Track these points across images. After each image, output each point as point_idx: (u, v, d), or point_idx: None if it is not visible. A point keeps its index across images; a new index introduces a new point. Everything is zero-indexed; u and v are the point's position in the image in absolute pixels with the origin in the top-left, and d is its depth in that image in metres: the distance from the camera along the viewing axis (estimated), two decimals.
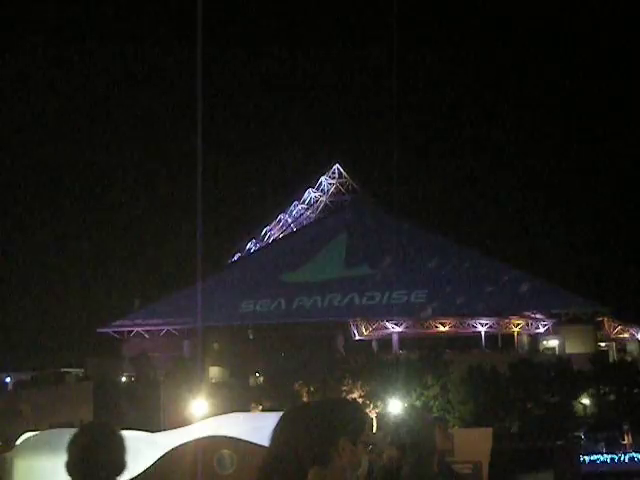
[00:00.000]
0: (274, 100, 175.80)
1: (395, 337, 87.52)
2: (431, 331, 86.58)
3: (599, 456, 57.39)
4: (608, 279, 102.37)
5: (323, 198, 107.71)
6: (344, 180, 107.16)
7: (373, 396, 63.49)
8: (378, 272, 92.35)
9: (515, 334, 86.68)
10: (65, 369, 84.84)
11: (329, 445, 3.45)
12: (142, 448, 18.06)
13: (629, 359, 73.13)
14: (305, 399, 64.72)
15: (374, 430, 62.41)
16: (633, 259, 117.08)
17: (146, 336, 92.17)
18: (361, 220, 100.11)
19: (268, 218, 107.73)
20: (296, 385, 66.78)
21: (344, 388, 65.04)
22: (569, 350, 79.83)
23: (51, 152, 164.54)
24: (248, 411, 55.76)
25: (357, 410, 3.66)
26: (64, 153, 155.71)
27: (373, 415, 64.26)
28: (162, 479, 17.11)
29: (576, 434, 61.15)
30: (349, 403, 3.77)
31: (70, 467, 4.33)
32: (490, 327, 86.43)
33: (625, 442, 61.25)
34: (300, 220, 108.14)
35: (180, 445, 17.44)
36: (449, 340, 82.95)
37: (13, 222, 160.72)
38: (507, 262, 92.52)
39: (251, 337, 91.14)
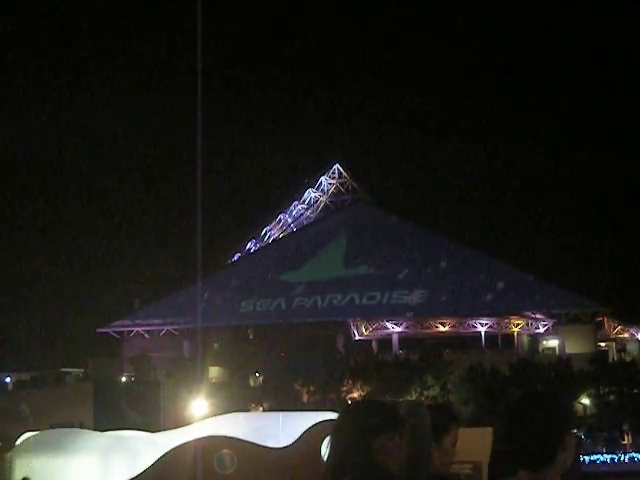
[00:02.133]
0: (274, 100, 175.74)
1: (395, 337, 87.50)
2: (431, 331, 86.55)
3: (599, 456, 57.36)
4: (608, 279, 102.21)
5: (323, 198, 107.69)
6: (344, 180, 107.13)
7: (373, 396, 63.44)
8: (378, 272, 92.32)
9: (515, 334, 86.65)
10: (65, 369, 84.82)
11: (558, 442, 3.36)
12: (142, 448, 18.08)
13: (629, 359, 73.08)
14: (305, 399, 64.77)
15: None
16: (633, 259, 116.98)
17: (146, 336, 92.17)
18: (361, 220, 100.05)
19: (268, 218, 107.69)
20: (296, 385, 66.77)
21: (344, 388, 65.04)
22: (569, 350, 79.78)
23: (51, 152, 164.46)
24: (248, 411, 55.88)
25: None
26: (64, 153, 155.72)
27: None
28: (162, 479, 17.11)
29: (576, 434, 61.13)
30: (559, 395, 3.68)
31: None
32: (490, 327, 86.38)
33: (625, 442, 61.23)
34: (300, 220, 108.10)
35: (180, 445, 17.44)
36: (449, 340, 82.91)
37: (13, 222, 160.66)
38: (507, 262, 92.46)
39: (251, 337, 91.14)
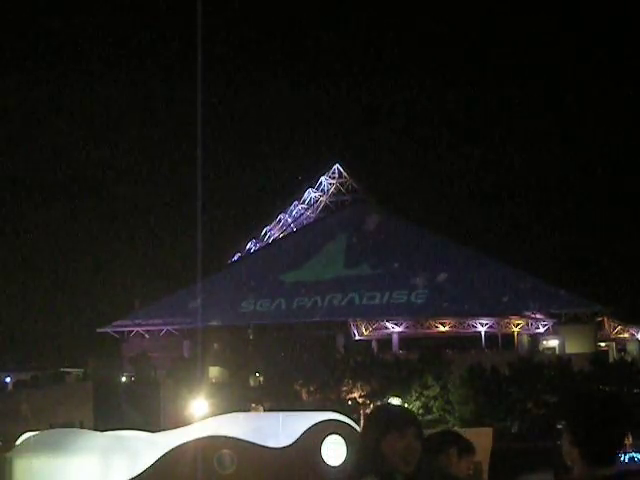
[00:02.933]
0: (275, 100, 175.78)
1: (395, 337, 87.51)
2: (431, 331, 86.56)
3: None
4: (608, 279, 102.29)
5: (323, 198, 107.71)
6: (344, 180, 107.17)
7: (373, 396, 63.44)
8: (378, 272, 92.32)
9: (515, 334, 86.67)
10: (65, 369, 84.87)
11: (623, 441, 3.87)
12: (142, 448, 18.08)
13: (629, 359, 73.10)
14: (305, 399, 64.78)
15: None
16: (633, 259, 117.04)
17: (146, 336, 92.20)
18: (361, 220, 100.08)
19: (268, 218, 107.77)
20: (296, 385, 66.77)
21: (344, 388, 65.04)
22: (569, 350, 79.81)
23: (51, 151, 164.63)
24: (248, 411, 55.84)
25: None
26: (64, 152, 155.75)
27: None
28: (162, 479, 17.11)
29: None
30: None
31: None
32: (490, 327, 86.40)
33: (625, 442, 61.19)
34: (300, 220, 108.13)
35: (180, 445, 17.44)
36: (449, 340, 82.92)
37: (13, 222, 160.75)
38: (507, 262, 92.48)
39: (251, 337, 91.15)
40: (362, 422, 4.15)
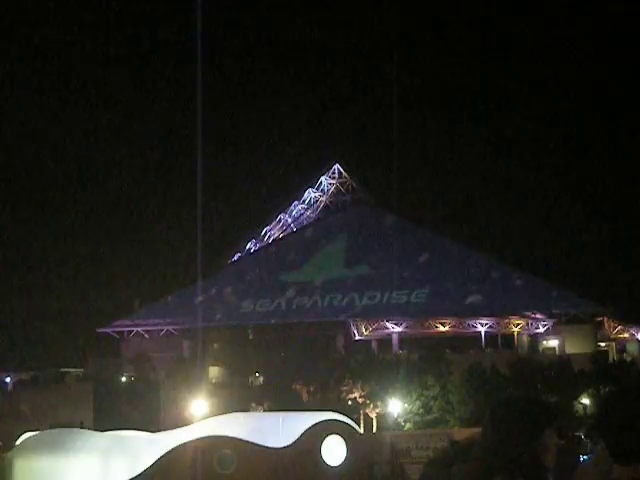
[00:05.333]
0: (274, 100, 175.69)
1: (395, 337, 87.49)
2: (431, 331, 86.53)
3: None
4: (608, 279, 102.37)
5: (323, 198, 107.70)
6: (344, 180, 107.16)
7: (373, 396, 63.43)
8: (378, 272, 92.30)
9: (515, 334, 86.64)
10: (65, 369, 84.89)
11: None
12: (142, 448, 18.07)
13: (629, 359, 73.04)
14: (305, 399, 64.80)
15: (374, 430, 62.46)
16: (633, 259, 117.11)
17: (146, 336, 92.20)
18: (361, 220, 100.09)
19: (268, 218, 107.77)
20: (296, 385, 66.78)
21: (344, 388, 65.05)
22: (569, 350, 79.76)
23: (50, 150, 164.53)
24: (248, 411, 55.87)
25: None
26: (64, 151, 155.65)
27: (373, 415, 64.25)
28: (162, 479, 17.11)
29: (576, 434, 61.06)
30: None
31: None
32: (490, 327, 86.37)
33: None
34: (300, 220, 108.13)
35: (180, 445, 17.44)
36: (449, 340, 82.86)
37: (13, 221, 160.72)
38: (507, 262, 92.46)
39: (251, 337, 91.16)
40: (502, 414, 3.79)
